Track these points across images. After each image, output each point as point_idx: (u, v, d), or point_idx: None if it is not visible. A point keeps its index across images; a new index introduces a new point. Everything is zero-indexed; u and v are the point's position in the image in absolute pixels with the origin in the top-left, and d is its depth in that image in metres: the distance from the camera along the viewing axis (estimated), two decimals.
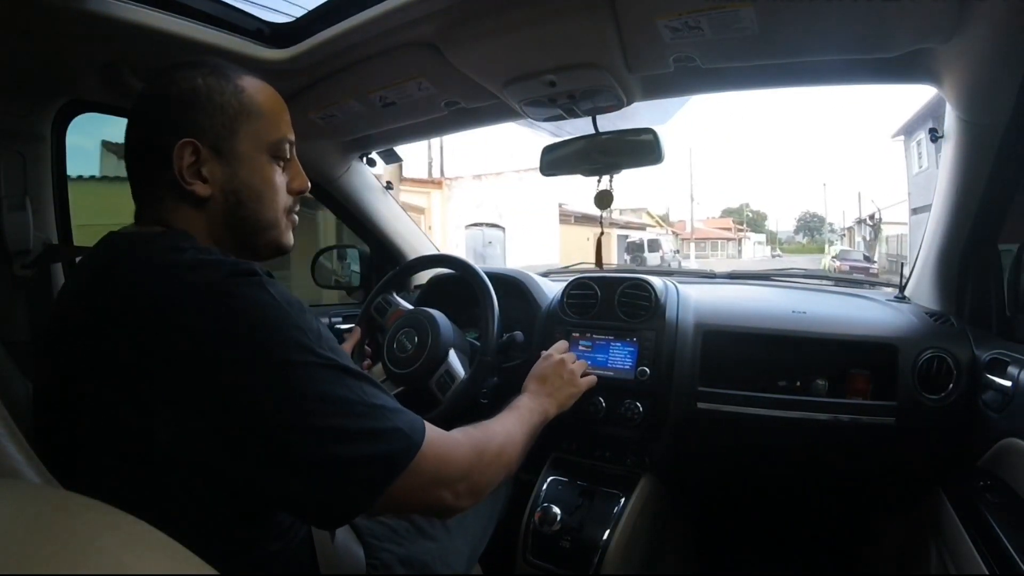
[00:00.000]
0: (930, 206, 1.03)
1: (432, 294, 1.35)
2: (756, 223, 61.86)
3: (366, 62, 0.94)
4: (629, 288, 1.10)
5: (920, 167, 11.18)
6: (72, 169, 1.12)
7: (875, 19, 0.72)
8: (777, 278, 1.45)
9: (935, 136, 0.96)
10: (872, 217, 20.00)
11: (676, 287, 1.13)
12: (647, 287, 1.09)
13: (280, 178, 0.60)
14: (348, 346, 1.08)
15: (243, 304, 0.47)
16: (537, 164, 1.18)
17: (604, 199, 1.14)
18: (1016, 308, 0.89)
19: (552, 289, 1.25)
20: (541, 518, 0.95)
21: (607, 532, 0.94)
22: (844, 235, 31.60)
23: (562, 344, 1.03)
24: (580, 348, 1.08)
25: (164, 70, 0.56)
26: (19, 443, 0.42)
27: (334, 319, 1.46)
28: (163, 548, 0.25)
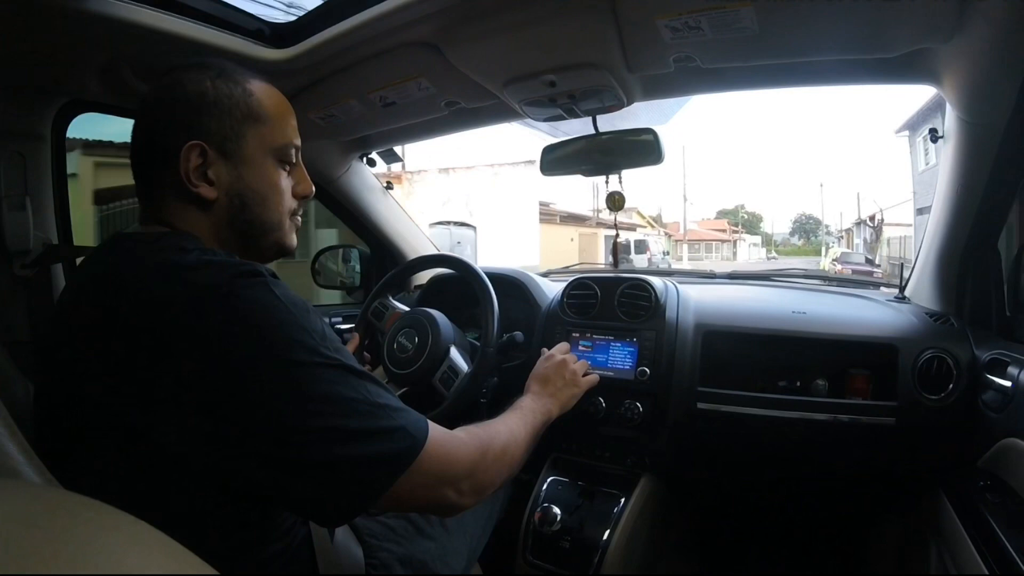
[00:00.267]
0: None
1: (432, 294, 1.35)
2: (751, 225, 61.62)
3: (366, 62, 0.94)
4: (629, 288, 1.10)
5: (926, 164, 10.62)
6: None
7: (875, 19, 0.72)
8: (777, 278, 1.45)
9: (935, 136, 0.96)
10: (873, 218, 19.33)
11: (676, 287, 1.13)
12: (647, 287, 1.09)
13: (285, 182, 0.61)
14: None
15: (248, 305, 0.47)
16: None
17: (615, 200, 1.14)
18: (1016, 308, 0.89)
19: (552, 289, 1.25)
20: (541, 518, 0.95)
21: (607, 532, 0.94)
22: (842, 237, 30.99)
23: (563, 345, 1.03)
24: (580, 348, 1.08)
25: (171, 72, 0.56)
26: (19, 443, 0.42)
27: (334, 319, 1.46)
28: (163, 548, 0.25)
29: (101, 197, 3.43)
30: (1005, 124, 0.79)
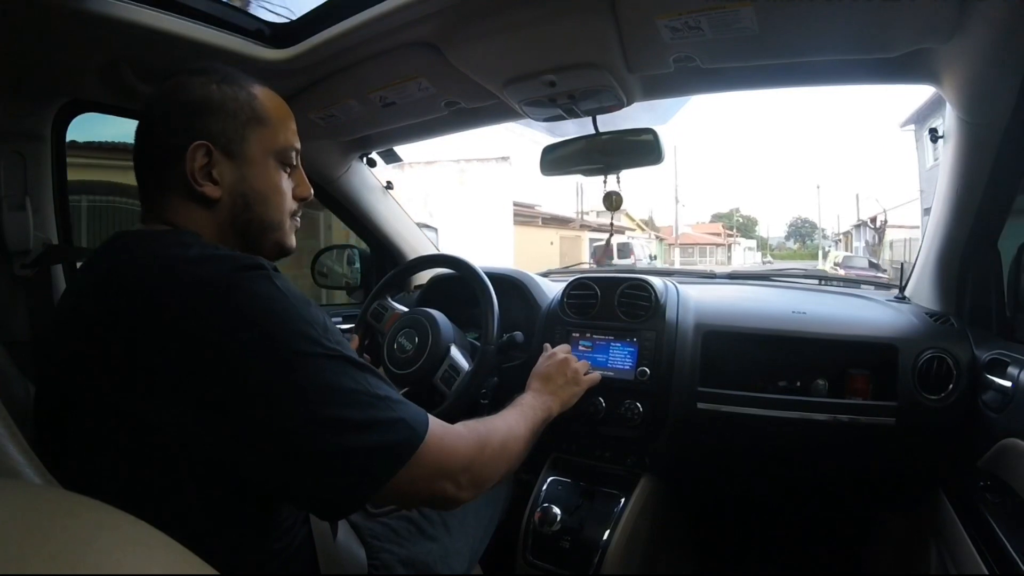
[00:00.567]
0: None
1: (432, 294, 1.35)
2: (747, 228, 61.25)
3: (366, 62, 0.94)
4: (629, 288, 1.10)
5: (935, 159, 10.18)
6: None
7: (875, 19, 0.72)
8: (777, 278, 1.45)
9: (935, 136, 0.96)
10: (874, 220, 18.45)
11: (676, 287, 1.13)
12: (647, 287, 1.09)
13: (286, 183, 0.62)
14: None
15: (249, 297, 0.47)
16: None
17: (612, 200, 1.14)
18: (1016, 308, 0.89)
19: (552, 289, 1.25)
20: (541, 518, 0.95)
21: (607, 532, 0.94)
22: (839, 240, 30.25)
23: (565, 346, 1.03)
24: (580, 348, 1.08)
25: (176, 75, 0.57)
26: (19, 443, 0.42)
27: (334, 319, 1.46)
28: (163, 548, 0.25)
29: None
30: (1005, 124, 0.79)
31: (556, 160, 1.16)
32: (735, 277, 1.46)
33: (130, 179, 0.59)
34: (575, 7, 0.76)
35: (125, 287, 0.49)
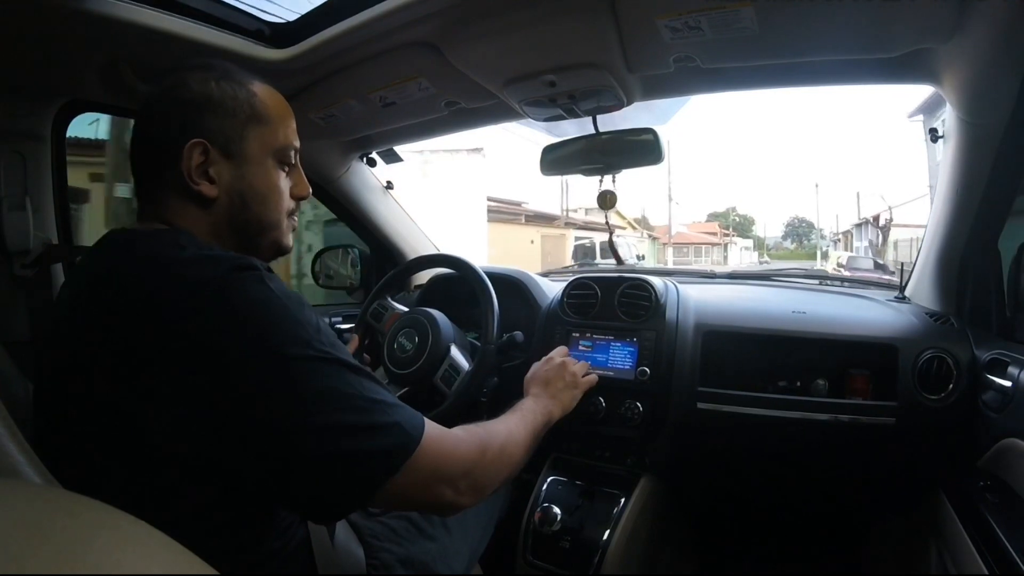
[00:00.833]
0: None
1: (432, 294, 1.35)
2: (743, 228, 60.59)
3: (366, 62, 0.94)
4: (629, 288, 1.10)
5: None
6: None
7: (875, 19, 0.72)
8: (777, 278, 1.45)
9: (935, 136, 0.96)
10: (877, 219, 17.26)
11: (676, 287, 1.13)
12: (647, 287, 1.09)
13: (284, 182, 0.61)
14: None
15: (243, 298, 0.47)
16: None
17: (607, 199, 1.14)
18: (1016, 308, 0.89)
19: (552, 289, 1.25)
20: (541, 518, 0.95)
21: (607, 532, 0.94)
22: (839, 240, 29.36)
23: (562, 349, 1.03)
24: (580, 348, 1.08)
25: (175, 72, 0.56)
26: (19, 443, 0.42)
27: (334, 319, 1.46)
28: (163, 548, 0.25)
29: None
30: (1005, 124, 0.79)
31: (556, 160, 1.16)
32: (735, 277, 1.46)
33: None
34: (575, 7, 0.76)
35: (120, 287, 0.48)
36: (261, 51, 0.92)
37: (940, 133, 0.95)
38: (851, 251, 20.08)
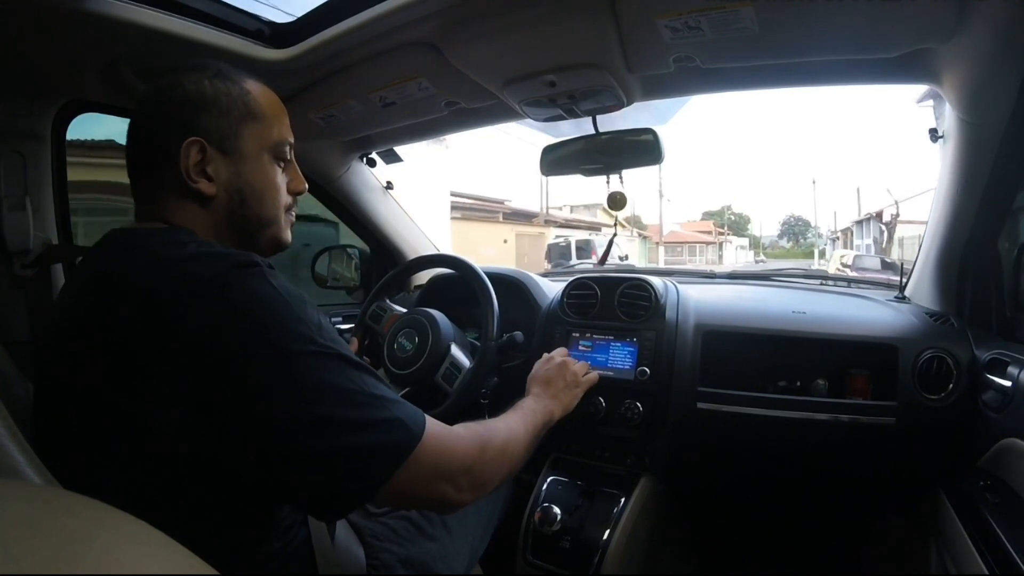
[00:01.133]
0: None
1: (432, 294, 1.35)
2: (738, 226, 59.74)
3: (366, 62, 0.94)
4: (629, 288, 1.10)
5: None
6: None
7: (875, 19, 0.72)
8: (777, 278, 1.45)
9: (935, 136, 0.96)
10: (880, 215, 16.03)
11: (676, 287, 1.13)
12: (647, 287, 1.09)
13: (281, 178, 0.62)
14: None
15: (245, 295, 0.47)
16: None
17: (616, 201, 1.14)
18: (1016, 308, 0.89)
19: (552, 289, 1.25)
20: (541, 518, 0.95)
21: (607, 532, 0.94)
22: (837, 238, 28.65)
23: (562, 349, 1.03)
24: (580, 348, 1.08)
25: (169, 72, 0.57)
26: (19, 443, 0.42)
27: (334, 319, 1.46)
28: (163, 548, 0.25)
29: None
30: (1005, 124, 0.79)
31: (556, 160, 1.16)
32: (735, 277, 1.46)
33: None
34: (575, 7, 0.76)
35: (120, 286, 0.49)
36: (261, 51, 0.92)
37: (940, 133, 0.95)
38: (851, 249, 19.25)
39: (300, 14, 0.93)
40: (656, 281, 1.11)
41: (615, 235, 1.35)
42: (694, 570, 1.26)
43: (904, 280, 1.17)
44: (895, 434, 0.91)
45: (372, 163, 1.44)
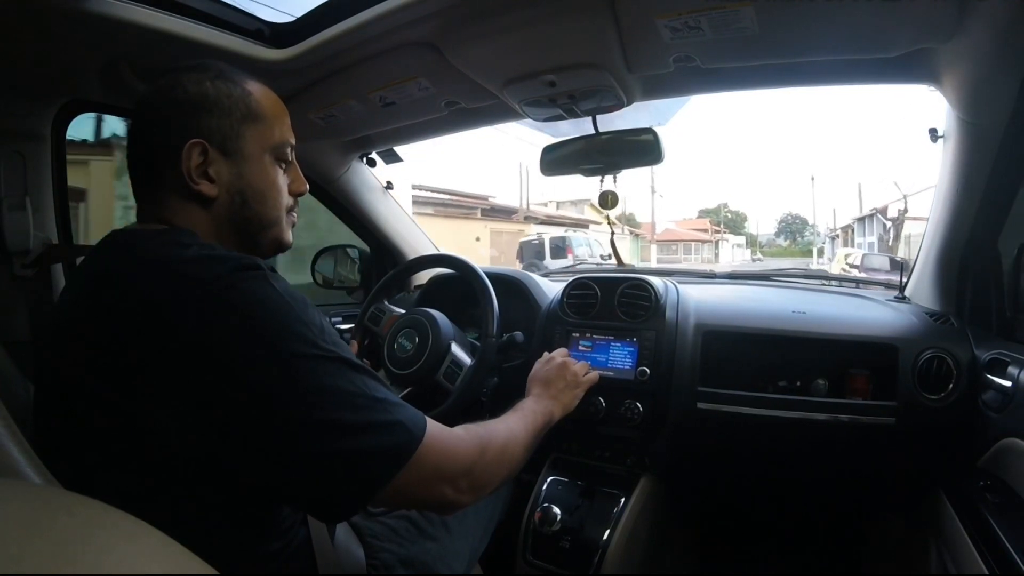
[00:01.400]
0: None
1: (432, 294, 1.35)
2: (735, 224, 59.40)
3: (366, 62, 0.94)
4: (629, 288, 1.10)
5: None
6: None
7: (875, 19, 0.72)
8: (777, 278, 1.45)
9: (935, 136, 0.96)
10: (885, 211, 15.22)
11: (676, 287, 1.13)
12: (647, 287, 1.09)
13: (282, 180, 0.62)
14: None
15: (247, 297, 0.47)
16: None
17: (607, 200, 1.14)
18: (1016, 308, 0.89)
19: (552, 289, 1.25)
20: (541, 518, 0.95)
21: (607, 532, 0.94)
22: (836, 236, 27.71)
23: (562, 349, 1.03)
24: (580, 348, 1.08)
25: (170, 72, 0.57)
26: (19, 443, 0.42)
27: (334, 319, 1.46)
28: (163, 548, 0.25)
29: None
30: (1005, 124, 0.79)
31: (556, 160, 1.16)
32: (735, 277, 1.46)
33: None
34: (575, 7, 0.76)
35: (122, 287, 0.49)
36: (261, 51, 0.92)
37: (940, 133, 0.95)
38: (852, 247, 18.59)
39: (300, 14, 0.93)
40: (656, 281, 1.11)
41: (613, 235, 1.34)
42: (694, 570, 1.26)
43: (904, 280, 1.17)
44: (895, 434, 0.91)
45: (372, 163, 1.45)
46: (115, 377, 0.46)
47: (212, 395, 0.45)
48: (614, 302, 1.10)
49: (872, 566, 1.21)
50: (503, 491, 0.99)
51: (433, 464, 0.53)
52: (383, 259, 1.56)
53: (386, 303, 1.19)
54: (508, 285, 1.24)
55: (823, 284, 1.41)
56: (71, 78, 0.94)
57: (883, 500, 1.16)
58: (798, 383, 1.01)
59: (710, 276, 1.47)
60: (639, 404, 1.00)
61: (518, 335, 1.09)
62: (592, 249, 11.53)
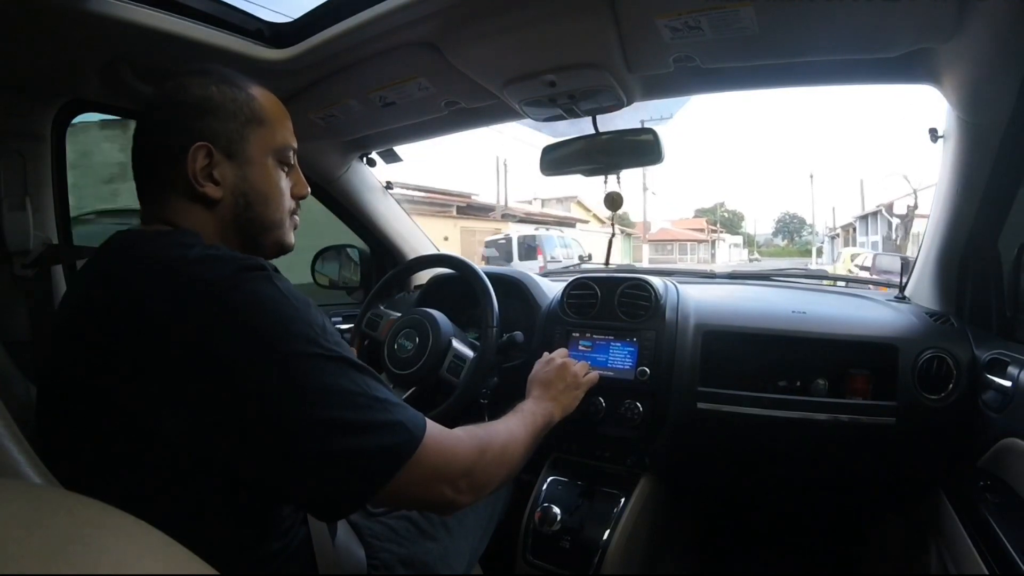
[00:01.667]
0: None
1: (431, 294, 1.35)
2: (732, 224, 58.61)
3: (366, 62, 0.94)
4: (629, 288, 1.10)
5: None
6: None
7: (875, 19, 0.72)
8: (777, 278, 1.45)
9: (935, 136, 0.96)
10: (891, 208, 14.09)
11: (676, 287, 1.13)
12: (647, 287, 1.09)
13: (285, 183, 0.63)
14: None
15: (250, 298, 0.47)
16: None
17: (613, 201, 1.14)
18: (1016, 308, 0.89)
19: (552, 289, 1.25)
20: (541, 518, 0.95)
21: (607, 532, 0.94)
22: (836, 235, 26.92)
23: (562, 350, 1.03)
24: (580, 348, 1.08)
25: (175, 76, 0.58)
26: (19, 443, 0.42)
27: (334, 319, 1.46)
28: (163, 548, 0.25)
29: None
30: (1005, 124, 0.79)
31: (556, 160, 1.16)
32: (735, 277, 1.46)
33: None
34: (575, 7, 0.76)
35: (127, 287, 0.49)
36: (261, 51, 0.92)
37: (940, 133, 0.95)
38: (854, 247, 17.96)
39: (300, 14, 0.93)
40: (656, 281, 1.11)
41: (613, 235, 1.34)
42: (694, 570, 1.26)
43: (904, 280, 1.17)
44: (895, 434, 0.91)
45: (372, 163, 1.44)
46: (118, 377, 0.46)
47: (215, 394, 0.45)
48: (614, 302, 1.10)
49: (872, 566, 1.21)
50: (503, 491, 0.99)
51: (433, 464, 0.54)
52: (383, 259, 1.56)
53: (382, 307, 1.19)
54: (508, 285, 1.24)
55: (823, 284, 1.41)
56: (71, 78, 0.94)
57: (883, 500, 1.16)
58: (798, 383, 1.01)
59: (710, 276, 1.47)
60: (639, 404, 1.00)
61: (518, 335, 1.09)
62: (570, 250, 10.62)
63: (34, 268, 0.99)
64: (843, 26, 0.75)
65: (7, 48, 0.81)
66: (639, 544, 0.98)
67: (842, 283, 1.46)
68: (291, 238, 0.64)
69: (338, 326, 1.44)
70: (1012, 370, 0.78)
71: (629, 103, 1.00)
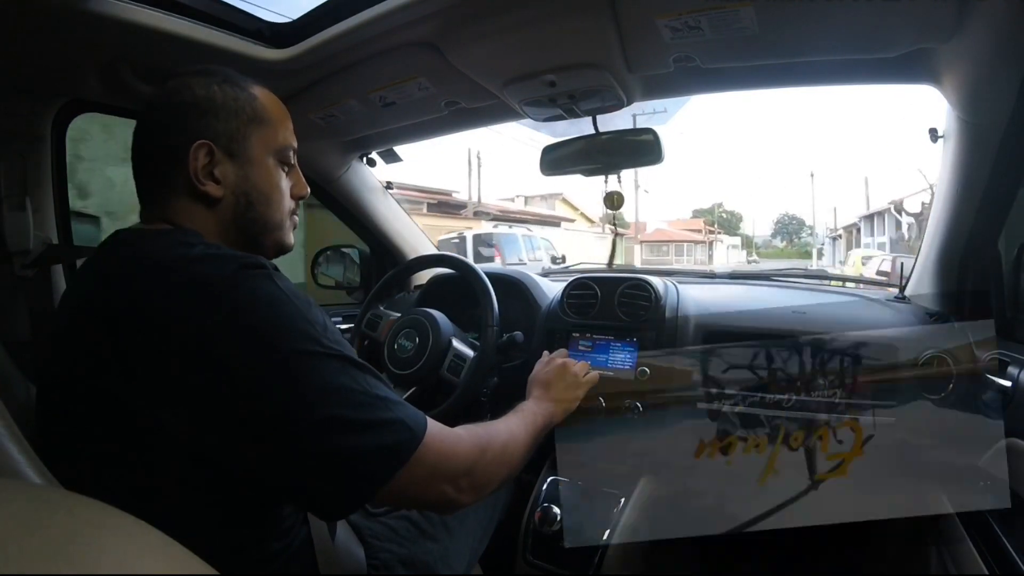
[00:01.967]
0: None
1: (431, 295, 1.35)
2: (730, 225, 57.48)
3: (366, 62, 0.94)
4: (629, 288, 1.10)
5: None
6: None
7: (875, 19, 0.72)
8: (777, 278, 1.45)
9: (935, 136, 0.96)
10: (900, 206, 13.52)
11: (676, 287, 1.13)
12: (647, 287, 1.09)
13: (285, 183, 0.63)
14: None
15: (251, 296, 0.47)
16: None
17: (614, 200, 1.14)
18: (1016, 308, 0.89)
19: (552, 289, 1.25)
20: (541, 518, 0.95)
21: (607, 532, 0.94)
22: (838, 236, 26.06)
23: (562, 350, 1.03)
24: (580, 348, 1.08)
25: (177, 76, 0.58)
26: (19, 443, 0.42)
27: (334, 319, 1.46)
28: (163, 548, 0.25)
29: None
30: (1005, 124, 0.79)
31: (556, 160, 1.16)
32: (735, 277, 1.46)
33: None
34: (575, 7, 0.76)
35: (127, 286, 0.49)
36: (261, 51, 0.92)
37: (940, 133, 0.95)
38: (858, 248, 17.42)
39: (300, 14, 0.93)
40: (656, 281, 1.11)
41: (614, 237, 1.34)
42: (694, 570, 1.26)
43: (904, 280, 1.17)
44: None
45: (372, 163, 1.44)
46: (118, 376, 0.46)
47: (215, 392, 0.45)
48: (614, 302, 1.10)
49: (872, 566, 1.20)
50: (503, 491, 0.99)
51: (433, 463, 0.54)
52: (383, 259, 1.56)
53: (382, 308, 1.19)
54: (508, 285, 1.24)
55: (823, 284, 1.41)
56: (71, 78, 0.94)
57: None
58: (798, 383, 1.01)
59: (710, 276, 1.47)
60: (639, 404, 1.00)
61: (518, 335, 1.09)
62: (537, 252, 9.37)
63: (34, 268, 0.99)
64: (843, 26, 0.75)
65: (7, 48, 0.81)
66: (639, 544, 0.98)
67: (842, 283, 1.46)
68: (291, 238, 0.65)
69: (338, 326, 1.44)
70: (1012, 370, 0.78)
71: (629, 103, 1.00)
